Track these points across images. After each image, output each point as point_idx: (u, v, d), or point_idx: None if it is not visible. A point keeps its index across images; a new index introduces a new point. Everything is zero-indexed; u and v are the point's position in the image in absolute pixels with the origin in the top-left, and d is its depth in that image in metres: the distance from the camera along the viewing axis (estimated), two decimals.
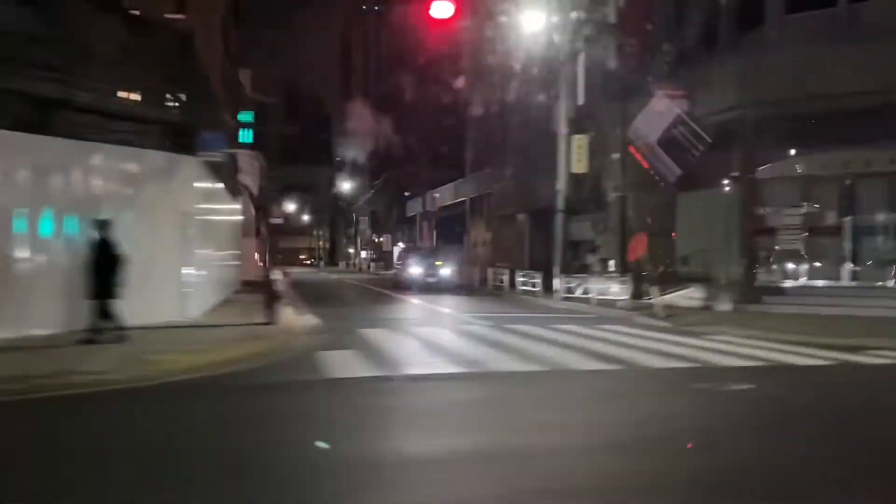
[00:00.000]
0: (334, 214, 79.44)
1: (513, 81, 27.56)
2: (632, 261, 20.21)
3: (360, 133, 54.95)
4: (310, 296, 26.53)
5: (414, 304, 21.28)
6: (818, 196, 18.40)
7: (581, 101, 22.90)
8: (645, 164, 16.21)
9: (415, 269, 28.40)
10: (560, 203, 22.64)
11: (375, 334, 12.81)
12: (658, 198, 22.16)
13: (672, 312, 16.91)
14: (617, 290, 19.66)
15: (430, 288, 27.09)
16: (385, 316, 16.95)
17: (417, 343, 11.94)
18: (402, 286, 28.23)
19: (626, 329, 14.27)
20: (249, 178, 32.48)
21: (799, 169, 18.15)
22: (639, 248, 19.58)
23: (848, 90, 15.86)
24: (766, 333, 13.27)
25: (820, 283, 17.87)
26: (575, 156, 22.68)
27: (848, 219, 17.90)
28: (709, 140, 17.09)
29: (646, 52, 21.18)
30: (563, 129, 22.55)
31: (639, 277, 19.82)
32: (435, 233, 47.07)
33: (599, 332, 13.63)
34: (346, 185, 65.12)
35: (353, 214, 65.82)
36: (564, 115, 22.61)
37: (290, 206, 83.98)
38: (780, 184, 18.57)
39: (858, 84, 15.78)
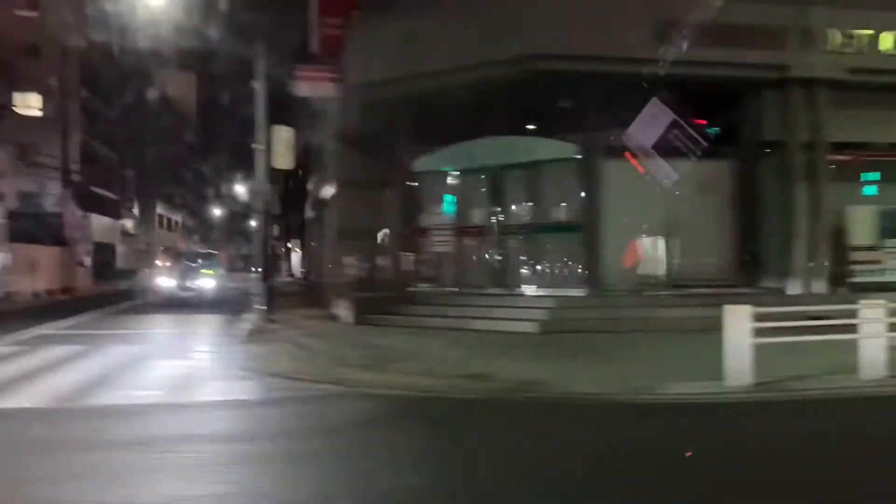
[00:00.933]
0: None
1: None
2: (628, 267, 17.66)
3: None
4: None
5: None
6: (469, 192, 16.09)
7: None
8: (641, 170, 14.14)
9: (166, 280, 24.84)
10: (259, 203, 20.42)
11: None
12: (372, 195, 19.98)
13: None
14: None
15: (184, 303, 22.91)
16: None
17: None
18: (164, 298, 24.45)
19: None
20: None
21: (448, 161, 15.89)
22: (633, 254, 17.17)
23: (445, 66, 13.62)
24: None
25: (468, 289, 15.51)
26: (278, 150, 20.43)
27: (494, 217, 15.60)
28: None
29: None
30: (260, 119, 20.32)
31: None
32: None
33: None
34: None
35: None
36: (263, 103, 20.33)
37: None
38: (435, 178, 16.31)
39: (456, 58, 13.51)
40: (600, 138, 14.28)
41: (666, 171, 13.92)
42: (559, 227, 14.75)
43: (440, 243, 16.10)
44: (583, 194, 14.32)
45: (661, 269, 14.37)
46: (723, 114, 14.92)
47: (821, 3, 13.80)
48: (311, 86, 17.00)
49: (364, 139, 18.26)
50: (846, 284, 14.33)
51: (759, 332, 7.87)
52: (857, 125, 14.51)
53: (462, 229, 15.93)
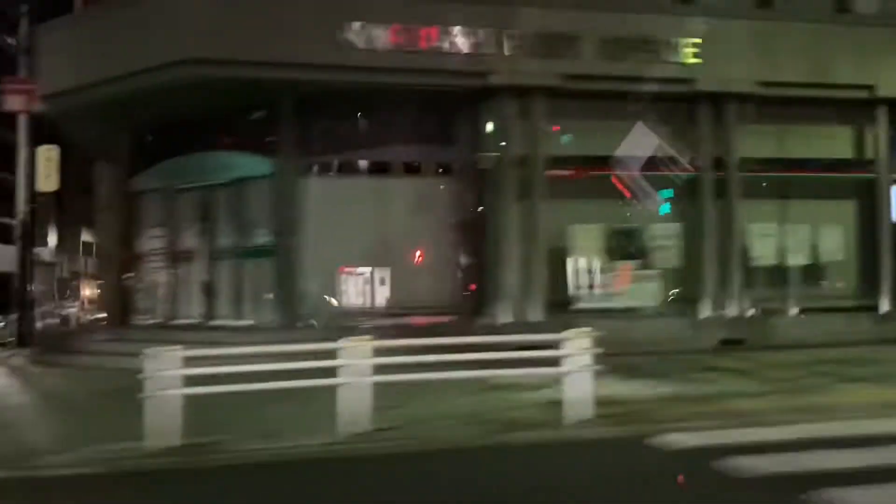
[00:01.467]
0: None
1: None
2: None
3: None
4: None
5: None
6: (180, 213, 14.58)
7: None
8: (627, 194, 12.87)
9: None
10: (19, 229, 18.84)
11: None
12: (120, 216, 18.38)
13: None
14: None
15: None
16: None
17: None
18: None
19: None
20: None
21: (161, 179, 14.44)
22: (623, 278, 15.56)
23: (116, 73, 12.26)
24: None
25: (183, 321, 13.95)
26: (43, 170, 18.90)
27: (202, 241, 14.15)
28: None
29: None
30: (22, 136, 18.80)
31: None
32: None
33: None
34: None
35: None
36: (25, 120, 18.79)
37: None
38: (150, 198, 14.86)
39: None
40: (297, 154, 12.93)
41: (650, 196, 13.04)
42: (258, 252, 13.30)
43: (153, 269, 14.61)
44: (279, 216, 12.90)
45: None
46: (440, 126, 13.66)
47: (526, 4, 12.59)
48: (17, 99, 15.54)
49: (99, 155, 16.87)
50: (568, 311, 12.99)
51: (194, 380, 6.44)
52: (580, 137, 13.34)
53: (173, 254, 14.45)
